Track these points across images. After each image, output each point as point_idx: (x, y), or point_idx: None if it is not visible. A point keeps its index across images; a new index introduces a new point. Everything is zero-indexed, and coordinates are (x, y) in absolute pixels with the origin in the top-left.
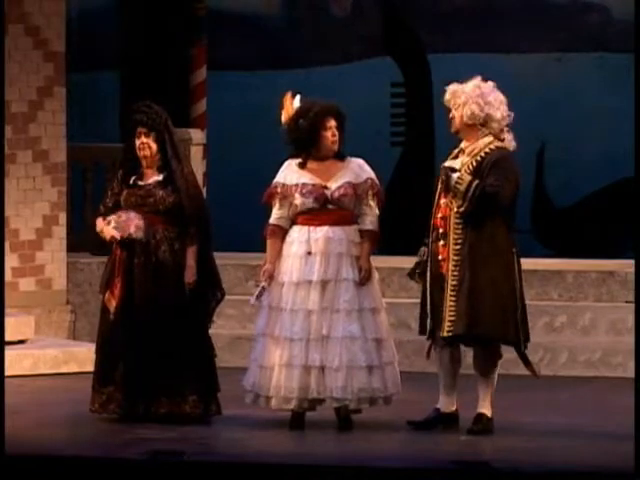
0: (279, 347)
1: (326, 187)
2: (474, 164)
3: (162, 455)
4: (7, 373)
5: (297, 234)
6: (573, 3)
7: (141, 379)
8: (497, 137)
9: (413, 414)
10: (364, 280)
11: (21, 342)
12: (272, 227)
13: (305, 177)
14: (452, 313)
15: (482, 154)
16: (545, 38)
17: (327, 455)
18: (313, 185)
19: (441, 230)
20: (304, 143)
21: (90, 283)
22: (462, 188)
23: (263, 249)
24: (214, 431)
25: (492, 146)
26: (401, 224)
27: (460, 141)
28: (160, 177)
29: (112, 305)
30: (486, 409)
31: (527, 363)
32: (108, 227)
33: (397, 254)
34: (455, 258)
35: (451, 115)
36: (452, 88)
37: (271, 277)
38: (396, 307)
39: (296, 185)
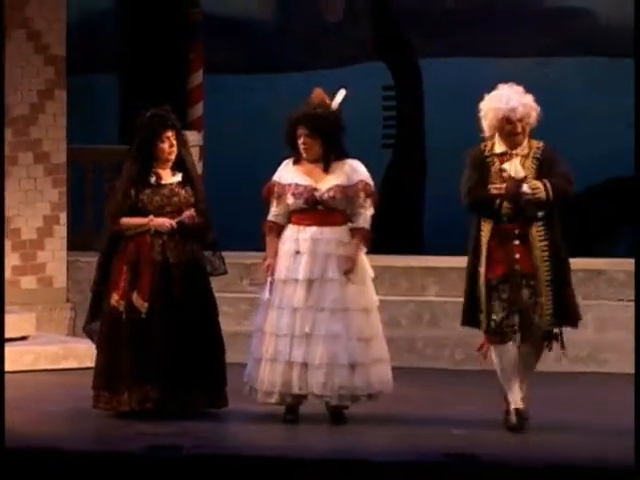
0: (267, 342)
1: (316, 189)
2: (536, 164)
3: (161, 449)
4: (9, 369)
5: (289, 233)
6: (559, 9)
7: (177, 375)
8: None
9: (404, 408)
10: (348, 270)
11: (23, 338)
12: (270, 224)
13: (299, 178)
14: (549, 306)
15: (538, 155)
16: (533, 43)
17: (319, 449)
18: (305, 186)
19: (517, 231)
20: (291, 147)
21: (90, 281)
22: (543, 196)
23: (258, 248)
24: (212, 425)
25: (538, 145)
26: (392, 224)
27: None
28: (179, 177)
29: (143, 305)
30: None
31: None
32: (160, 219)
33: (388, 253)
34: (543, 255)
35: (520, 128)
36: (523, 100)
37: (274, 271)
38: (387, 305)
39: (289, 185)
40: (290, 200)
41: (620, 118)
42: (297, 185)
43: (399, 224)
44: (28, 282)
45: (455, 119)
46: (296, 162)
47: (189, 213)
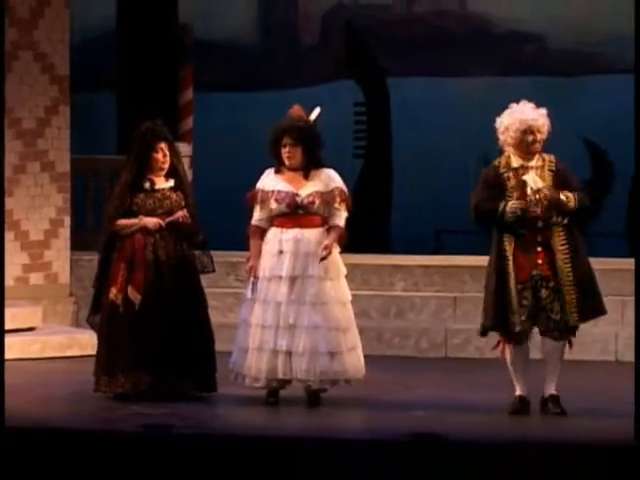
0: (253, 333)
1: (297, 194)
2: (553, 177)
3: (154, 429)
4: (18, 356)
5: (272, 235)
6: (513, 34)
7: (169, 361)
8: None
9: (373, 392)
10: (324, 257)
11: (31, 329)
12: (253, 228)
13: (280, 184)
14: (574, 304)
15: (552, 167)
16: (489, 64)
17: (297, 428)
18: (286, 192)
19: (539, 239)
20: (273, 156)
21: (91, 278)
22: (572, 205)
23: (243, 248)
24: (201, 407)
25: (550, 158)
26: (362, 226)
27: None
28: (172, 182)
29: (137, 298)
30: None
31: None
32: (148, 218)
33: (359, 252)
34: (564, 258)
35: (540, 137)
36: (541, 112)
37: (256, 271)
38: (358, 299)
39: (272, 191)
40: (273, 205)
41: (570, 131)
42: (279, 191)
43: (369, 226)
44: (35, 278)
45: (419, 132)
46: (277, 171)
47: (182, 213)
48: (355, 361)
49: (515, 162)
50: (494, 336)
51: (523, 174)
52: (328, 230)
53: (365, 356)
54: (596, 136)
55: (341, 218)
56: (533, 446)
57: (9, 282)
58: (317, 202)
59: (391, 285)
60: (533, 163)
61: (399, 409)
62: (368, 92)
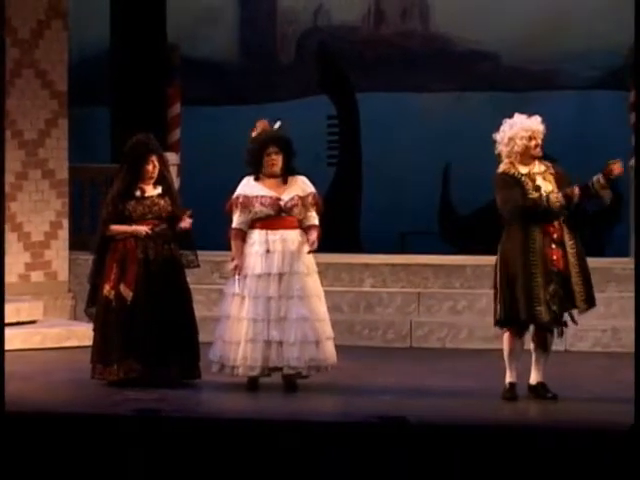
0: (244, 326)
1: (280, 199)
2: (555, 180)
3: (145, 412)
4: (21, 347)
5: (257, 237)
6: (471, 52)
7: (157, 351)
8: None
9: (344, 378)
10: (312, 247)
11: (32, 322)
12: (235, 231)
13: (262, 190)
14: (582, 293)
15: (551, 171)
16: (449, 80)
17: (276, 412)
18: (270, 197)
19: (555, 236)
20: (254, 164)
21: (87, 275)
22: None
23: (226, 248)
24: (187, 393)
25: (547, 164)
26: (335, 228)
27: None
28: (159, 190)
29: (129, 294)
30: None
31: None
32: (140, 227)
33: (331, 252)
34: (572, 251)
35: (540, 142)
36: (537, 119)
37: (240, 270)
38: (331, 294)
39: (256, 196)
40: (258, 208)
41: None
42: (263, 196)
43: (341, 228)
44: (37, 276)
45: (386, 143)
46: (257, 179)
47: (188, 221)
48: (331, 349)
49: (522, 169)
50: (456, 328)
51: (532, 179)
52: (307, 230)
53: (337, 346)
54: (546, 146)
55: (316, 219)
56: (491, 428)
57: (13, 279)
58: (298, 205)
59: (361, 282)
60: (536, 169)
61: (368, 394)
62: (340, 106)
